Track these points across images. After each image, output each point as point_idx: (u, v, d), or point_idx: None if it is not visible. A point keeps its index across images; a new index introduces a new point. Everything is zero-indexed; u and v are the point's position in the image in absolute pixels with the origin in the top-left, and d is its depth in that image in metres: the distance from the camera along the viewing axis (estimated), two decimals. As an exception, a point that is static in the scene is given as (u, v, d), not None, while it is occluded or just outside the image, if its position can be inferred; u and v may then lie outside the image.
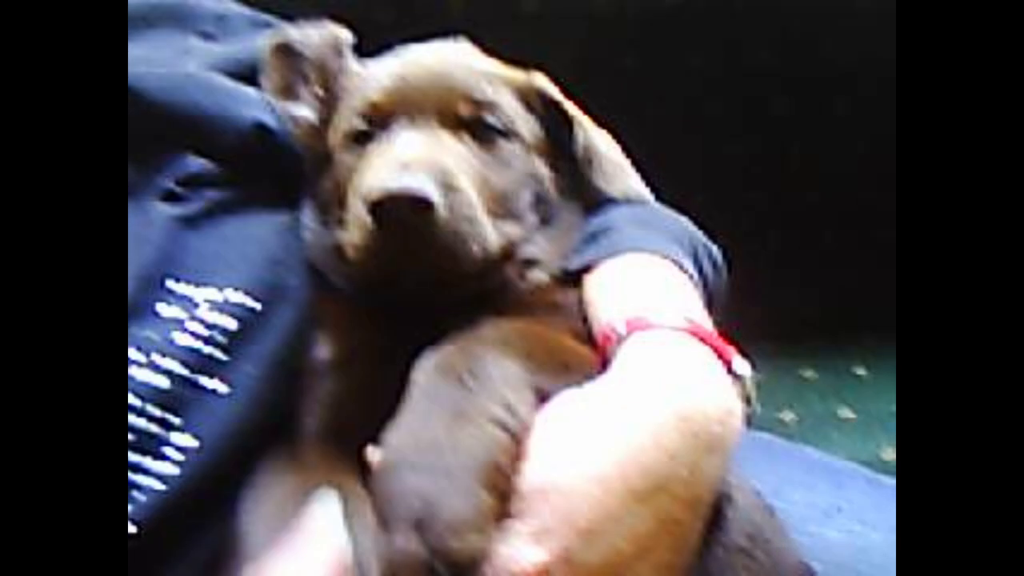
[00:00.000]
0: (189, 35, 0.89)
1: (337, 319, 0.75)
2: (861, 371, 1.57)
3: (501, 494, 0.60)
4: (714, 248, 0.86)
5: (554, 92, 0.84)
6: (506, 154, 0.77)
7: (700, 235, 0.85)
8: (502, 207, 0.75)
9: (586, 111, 0.86)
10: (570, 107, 0.84)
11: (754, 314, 1.50)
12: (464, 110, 0.77)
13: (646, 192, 0.86)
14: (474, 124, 0.77)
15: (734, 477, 0.73)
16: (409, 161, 0.71)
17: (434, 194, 0.68)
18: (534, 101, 0.82)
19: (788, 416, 1.46)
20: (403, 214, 0.68)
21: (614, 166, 0.84)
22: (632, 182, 0.85)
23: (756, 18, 1.62)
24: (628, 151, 0.87)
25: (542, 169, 0.81)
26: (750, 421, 0.72)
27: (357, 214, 0.71)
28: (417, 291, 0.72)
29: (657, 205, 0.87)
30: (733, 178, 1.64)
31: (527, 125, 0.80)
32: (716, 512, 0.69)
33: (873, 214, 1.46)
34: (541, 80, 0.84)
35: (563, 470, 0.61)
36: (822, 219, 1.70)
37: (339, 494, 0.64)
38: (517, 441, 0.62)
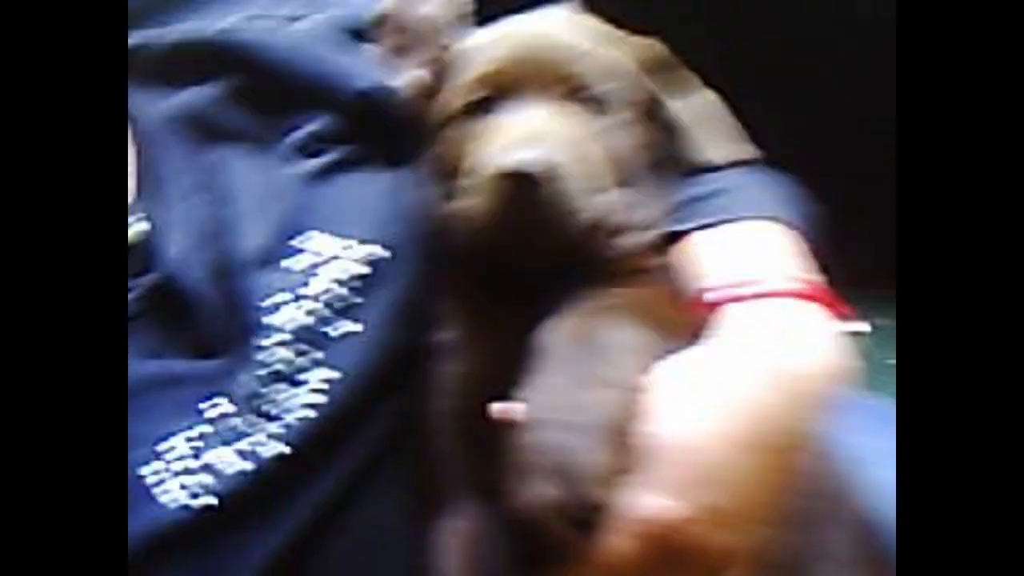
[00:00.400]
0: (307, -8, 0.93)
1: (453, 294, 0.81)
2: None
3: (623, 449, 0.67)
4: (814, 208, 0.88)
5: (661, 58, 0.86)
6: (609, 125, 0.81)
7: (803, 196, 0.88)
8: (603, 177, 0.79)
9: (699, 74, 0.87)
10: (677, 72, 0.86)
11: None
12: (569, 82, 0.80)
13: (752, 154, 0.88)
14: (579, 96, 0.80)
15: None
16: (523, 137, 0.76)
17: (546, 168, 0.73)
18: (641, 68, 0.85)
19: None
20: (519, 188, 0.73)
21: (718, 130, 0.86)
22: (737, 146, 0.87)
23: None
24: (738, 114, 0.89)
25: (643, 137, 0.83)
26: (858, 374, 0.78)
27: (476, 185, 0.76)
28: (528, 258, 0.77)
29: (762, 167, 0.89)
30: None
31: (631, 93, 0.83)
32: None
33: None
34: (648, 46, 0.87)
35: (678, 427, 0.68)
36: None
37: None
38: (634, 401, 0.69)
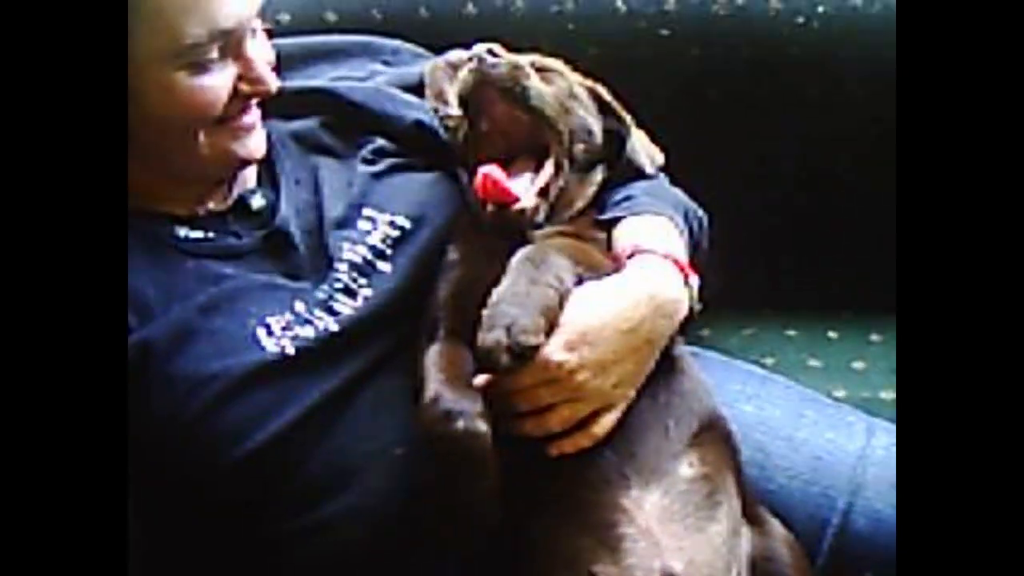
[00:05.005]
0: (376, 62, 1.46)
1: (463, 232, 1.29)
2: (832, 335, 2.03)
3: (550, 323, 1.13)
4: (702, 213, 1.39)
5: (609, 96, 1.35)
6: (568, 93, 1.29)
7: (691, 203, 1.38)
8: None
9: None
10: (618, 107, 1.35)
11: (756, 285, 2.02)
12: (543, 65, 1.28)
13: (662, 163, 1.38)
14: (546, 75, 1.27)
15: (688, 359, 1.28)
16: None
17: (508, 63, 1.22)
18: (597, 96, 1.34)
19: (769, 361, 1.93)
20: (481, 67, 1.23)
21: (644, 151, 1.36)
22: (651, 159, 1.36)
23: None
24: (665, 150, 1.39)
25: (596, 127, 1.30)
26: (692, 314, 1.26)
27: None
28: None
29: (664, 180, 1.38)
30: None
31: (590, 106, 1.32)
32: (669, 361, 1.23)
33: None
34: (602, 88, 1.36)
35: (585, 316, 1.15)
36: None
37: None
38: (562, 298, 1.14)
